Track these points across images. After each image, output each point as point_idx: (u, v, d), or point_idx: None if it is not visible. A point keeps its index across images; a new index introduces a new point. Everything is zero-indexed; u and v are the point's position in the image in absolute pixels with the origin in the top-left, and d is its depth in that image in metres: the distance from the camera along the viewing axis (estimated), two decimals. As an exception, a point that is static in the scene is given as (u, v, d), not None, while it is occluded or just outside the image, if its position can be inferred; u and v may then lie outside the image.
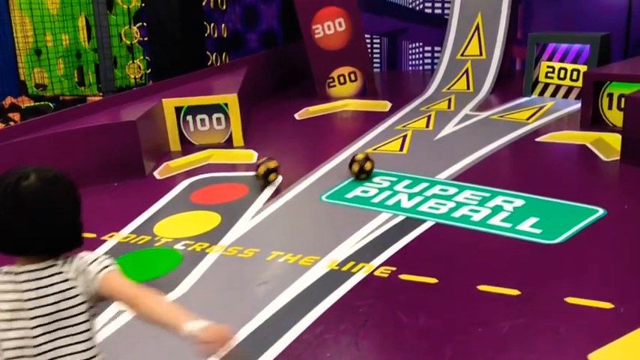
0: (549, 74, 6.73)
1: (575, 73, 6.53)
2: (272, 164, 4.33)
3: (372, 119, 6.32)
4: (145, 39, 8.02)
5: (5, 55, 8.71)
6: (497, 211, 3.65)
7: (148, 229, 3.68)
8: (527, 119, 5.89)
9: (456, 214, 3.65)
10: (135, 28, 8.18)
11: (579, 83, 6.24)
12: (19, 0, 9.32)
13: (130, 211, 3.97)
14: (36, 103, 7.84)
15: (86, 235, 3.66)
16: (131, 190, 4.51)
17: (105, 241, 3.55)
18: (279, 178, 4.38)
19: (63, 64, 9.53)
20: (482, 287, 2.78)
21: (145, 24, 7.93)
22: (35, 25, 9.38)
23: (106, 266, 1.56)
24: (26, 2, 9.21)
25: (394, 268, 2.99)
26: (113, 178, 4.62)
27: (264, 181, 4.26)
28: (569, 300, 2.62)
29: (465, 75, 7.57)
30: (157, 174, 4.83)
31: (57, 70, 9.43)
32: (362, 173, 4.26)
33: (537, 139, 5.24)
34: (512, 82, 7.73)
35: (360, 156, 4.35)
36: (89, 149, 4.58)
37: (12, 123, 6.62)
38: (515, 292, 2.72)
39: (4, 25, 9.01)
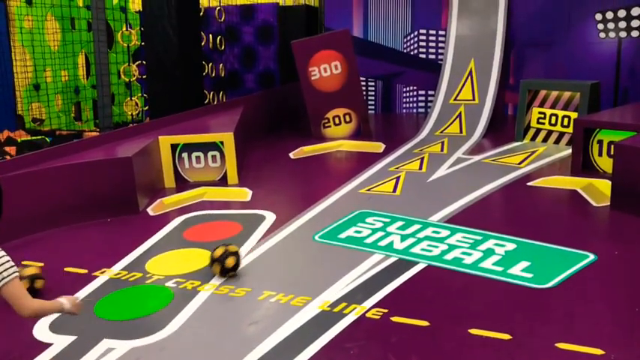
0: (541, 120, 6.86)
1: (565, 120, 6.66)
2: (232, 249, 3.49)
3: (366, 160, 6.39)
4: (144, 77, 8.13)
5: (4, 89, 8.80)
6: (489, 255, 3.67)
7: (140, 266, 3.67)
8: (519, 163, 5.97)
9: (448, 256, 3.67)
10: (134, 66, 8.31)
11: (570, 129, 6.36)
12: (20, 36, 9.47)
13: (122, 247, 3.96)
14: (32, 137, 7.89)
15: (77, 270, 3.67)
16: (124, 226, 4.51)
17: (96, 277, 3.53)
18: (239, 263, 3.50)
19: (61, 100, 9.63)
20: (473, 331, 2.77)
21: (143, 62, 8.06)
22: (36, 60, 9.51)
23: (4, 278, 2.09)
24: (28, 39, 9.35)
25: (386, 310, 2.99)
26: (107, 214, 4.62)
27: (222, 266, 3.40)
28: (560, 345, 2.62)
29: (457, 119, 7.71)
30: (151, 210, 4.84)
31: (55, 106, 9.52)
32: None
33: (529, 184, 5.30)
34: (505, 126, 7.87)
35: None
36: (84, 184, 4.59)
37: (8, 157, 6.65)
38: (506, 336, 2.71)
39: (5, 61, 9.13)
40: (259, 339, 2.74)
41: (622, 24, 8.18)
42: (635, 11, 8.10)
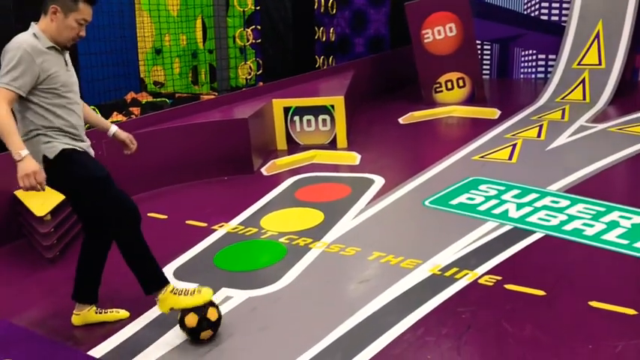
0: (677, 86, 6.26)
1: None
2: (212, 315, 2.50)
3: (479, 126, 6.17)
4: (258, 41, 8.31)
5: (130, 53, 9.33)
6: (613, 227, 3.45)
7: (255, 222, 3.82)
8: (650, 133, 5.51)
9: (568, 227, 3.49)
10: (248, 31, 8.50)
11: None
12: (146, 1, 9.96)
13: (238, 204, 4.14)
14: (154, 99, 8.34)
15: (198, 223, 3.87)
16: (240, 185, 4.69)
17: (215, 230, 3.72)
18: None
19: (179, 63, 10.08)
20: (593, 303, 2.64)
21: (258, 27, 8.23)
22: (157, 25, 9.98)
23: None
24: (153, 4, 9.82)
25: (500, 278, 2.91)
26: (224, 172, 4.83)
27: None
28: (694, 325, 2.43)
29: (581, 85, 7.21)
30: (265, 170, 5.00)
31: (174, 69, 9.99)
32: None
33: (660, 155, 4.90)
34: (634, 93, 7.28)
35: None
36: (203, 143, 4.82)
37: (133, 116, 7.09)
38: (630, 311, 2.56)
39: (131, 26, 9.66)
40: (369, 297, 2.78)
41: None
42: None
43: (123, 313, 2.73)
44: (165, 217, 4.03)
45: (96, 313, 2.70)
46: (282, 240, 3.51)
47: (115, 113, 7.30)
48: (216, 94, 7.43)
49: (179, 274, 3.15)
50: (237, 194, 4.47)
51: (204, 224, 3.82)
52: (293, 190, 4.49)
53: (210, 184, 4.73)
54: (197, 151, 4.81)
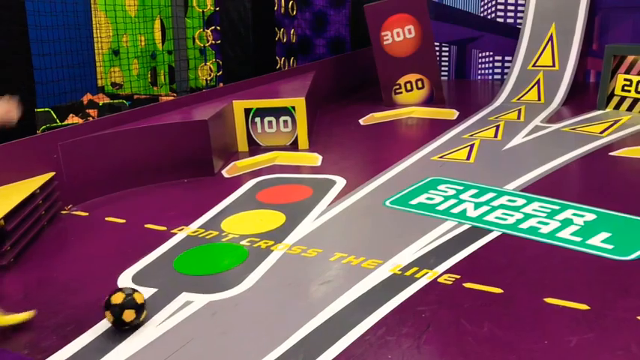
0: (626, 87, 6.48)
1: (654, 87, 6.27)
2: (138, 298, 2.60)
3: (438, 127, 6.27)
4: (218, 42, 8.25)
5: (85, 54, 9.15)
6: (567, 225, 3.55)
7: (216, 225, 3.79)
8: (601, 133, 5.69)
9: (524, 225, 3.58)
10: (208, 32, 8.43)
11: (659, 97, 5.99)
12: (102, 1, 9.78)
13: (199, 207, 4.10)
14: (112, 101, 8.20)
15: (157, 227, 3.82)
16: (201, 187, 4.65)
17: (175, 234, 3.68)
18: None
19: (138, 65, 9.93)
20: (549, 300, 2.71)
21: (217, 27, 8.17)
22: (114, 26, 9.83)
23: None
24: (110, 4, 9.64)
25: (458, 276, 2.96)
26: (184, 175, 4.78)
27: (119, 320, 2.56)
28: (643, 319, 2.52)
29: (536, 86, 7.40)
30: (225, 172, 4.97)
31: (132, 70, 9.84)
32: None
33: (611, 153, 5.06)
34: (586, 94, 7.51)
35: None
36: (162, 146, 4.76)
37: (90, 118, 6.96)
38: (584, 306, 2.64)
39: (87, 27, 9.48)
40: (331, 298, 2.79)
41: None
42: None
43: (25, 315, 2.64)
44: (124, 221, 3.97)
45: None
46: (243, 242, 3.49)
47: (71, 115, 7.14)
48: (175, 95, 7.35)
49: (138, 279, 3.10)
50: (198, 197, 4.43)
51: (164, 228, 3.78)
52: (254, 192, 4.48)
53: (171, 186, 4.67)
54: (156, 153, 4.75)
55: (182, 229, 3.74)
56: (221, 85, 7.49)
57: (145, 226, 3.85)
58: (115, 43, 10.11)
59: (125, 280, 3.10)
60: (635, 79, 6.42)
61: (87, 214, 4.12)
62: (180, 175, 4.78)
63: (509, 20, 8.88)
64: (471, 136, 5.78)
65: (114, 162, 4.54)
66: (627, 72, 6.47)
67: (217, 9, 8.03)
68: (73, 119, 7.00)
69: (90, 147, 4.43)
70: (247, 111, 5.66)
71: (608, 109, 6.60)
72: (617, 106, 6.57)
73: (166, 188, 4.64)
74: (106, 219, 3.93)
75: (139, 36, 9.97)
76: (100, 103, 7.90)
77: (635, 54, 6.45)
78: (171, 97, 7.44)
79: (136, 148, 4.66)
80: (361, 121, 6.80)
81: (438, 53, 9.09)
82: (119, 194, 4.51)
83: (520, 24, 8.24)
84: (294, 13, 9.71)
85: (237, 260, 3.27)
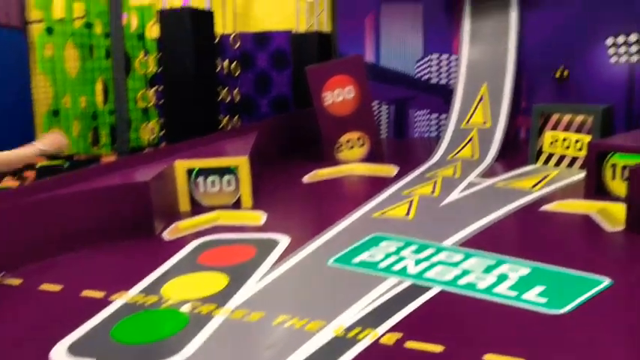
0: (553, 144, 6.87)
1: (578, 143, 6.66)
2: None
3: (379, 184, 6.42)
4: (160, 102, 8.28)
5: (24, 115, 8.98)
6: (503, 279, 3.67)
7: (156, 290, 3.71)
8: (532, 187, 5.97)
9: (462, 281, 3.68)
10: (151, 92, 8.46)
11: (583, 153, 6.36)
12: (41, 64, 9.69)
13: (138, 271, 4.01)
14: (50, 162, 8.02)
15: (94, 294, 3.72)
16: (141, 250, 4.56)
17: (113, 300, 3.58)
18: None
19: (79, 125, 9.81)
20: (488, 356, 2.77)
21: (160, 88, 8.21)
22: (55, 87, 9.72)
23: None
24: (48, 66, 9.56)
25: (400, 335, 2.99)
26: (123, 238, 4.69)
27: None
28: (575, 371, 2.61)
29: (470, 142, 7.73)
30: (167, 234, 4.90)
31: (73, 131, 9.69)
32: None
33: (542, 208, 5.30)
34: (517, 150, 7.88)
35: None
36: (102, 209, 4.67)
37: (27, 181, 6.77)
38: (521, 361, 2.71)
39: (25, 87, 9.34)
40: (274, 363, 2.76)
41: (633, 48, 8.21)
42: (646, 36, 8.14)
43: None
44: (60, 288, 3.83)
45: None
46: (184, 308, 3.43)
47: (7, 177, 6.93)
48: (117, 155, 7.27)
49: (75, 350, 2.99)
50: (138, 261, 4.34)
51: (102, 294, 3.67)
52: (196, 254, 4.43)
53: (110, 250, 4.56)
54: (96, 216, 4.65)
55: (121, 296, 3.64)
56: (164, 144, 7.47)
57: (82, 293, 3.73)
58: (56, 103, 9.98)
59: (60, 351, 2.98)
60: (561, 136, 6.81)
61: (20, 281, 3.97)
62: (120, 238, 4.68)
63: (442, 81, 9.32)
64: (410, 192, 5.95)
65: (50, 226, 4.41)
66: (553, 129, 6.87)
67: (160, 70, 8.10)
68: (8, 182, 6.81)
69: (25, 211, 4.30)
70: (190, 171, 5.65)
71: (538, 165, 6.94)
72: (546, 162, 6.92)
73: (106, 252, 4.53)
74: (40, 287, 3.79)
75: (80, 97, 9.88)
76: (38, 165, 7.70)
77: (559, 112, 6.87)
78: (114, 157, 7.36)
79: (73, 211, 4.55)
80: (305, 179, 6.89)
81: (377, 112, 9.41)
82: (56, 260, 4.36)
83: (453, 84, 8.66)
84: (237, 73, 9.89)
85: (177, 327, 3.20)
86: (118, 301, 3.57)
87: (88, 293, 3.71)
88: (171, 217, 5.37)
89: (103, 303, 3.54)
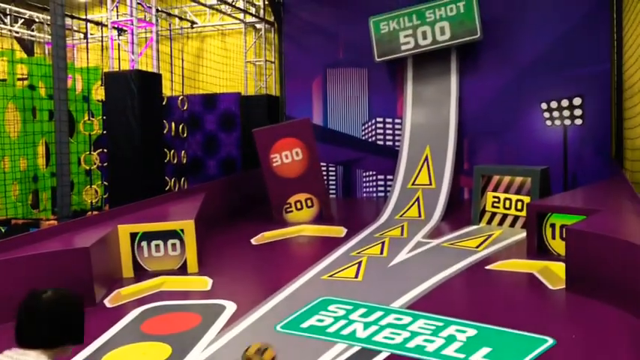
0: (495, 204, 7.08)
1: (519, 204, 6.89)
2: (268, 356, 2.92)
3: (328, 245, 6.42)
4: (104, 164, 8.13)
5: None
6: (451, 341, 3.68)
7: (96, 362, 3.54)
8: (477, 247, 6.09)
9: (411, 344, 3.66)
10: (95, 154, 8.31)
11: (524, 213, 6.57)
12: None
13: (77, 343, 3.81)
14: (-14, 227, 7.69)
15: (28, 369, 3.46)
16: (79, 320, 4.35)
17: (48, 375, 3.37)
18: None
19: (18, 188, 9.48)
20: (437, 422, 2.74)
21: (104, 150, 8.08)
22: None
23: None
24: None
25: (349, 403, 2.93)
26: (61, 307, 4.47)
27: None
28: None
29: (416, 203, 7.89)
30: (108, 302, 4.71)
31: (12, 194, 9.36)
32: None
33: (487, 267, 5.40)
34: (462, 210, 8.07)
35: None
36: (40, 276, 4.46)
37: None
38: None
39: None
40: None
41: (566, 112, 8.69)
42: (576, 101, 8.64)
43: None
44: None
45: None
46: (125, 381, 3.27)
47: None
48: (57, 220, 7.03)
49: None
50: (77, 331, 4.13)
51: (36, 369, 3.45)
52: (139, 322, 4.26)
53: (46, 321, 4.33)
54: (33, 284, 4.41)
55: (57, 370, 3.44)
56: (107, 207, 7.29)
57: (14, 368, 3.50)
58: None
59: None
60: (502, 196, 7.04)
61: (-55, 357, 3.70)
62: (57, 307, 4.47)
63: (388, 143, 9.57)
64: (359, 253, 5.96)
65: (-18, 296, 4.18)
66: (495, 190, 7.09)
67: (104, 132, 8.00)
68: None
69: (-46, 281, 4.07)
70: (133, 235, 5.51)
71: (482, 224, 7.12)
72: (489, 221, 7.11)
73: (41, 323, 4.29)
74: None
75: (20, 159, 9.61)
76: (-28, 230, 7.37)
77: (499, 174, 7.12)
78: (53, 222, 7.12)
79: (8, 280, 4.33)
80: (253, 241, 6.82)
81: (325, 173, 9.52)
82: (-14, 332, 4.11)
83: (398, 146, 8.89)
84: (185, 135, 9.87)
85: (117, 402, 3.04)
86: (53, 375, 3.37)
87: (20, 368, 3.49)
88: (114, 283, 5.18)
89: (37, 378, 3.33)
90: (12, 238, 4.96)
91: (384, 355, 3.52)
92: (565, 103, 8.68)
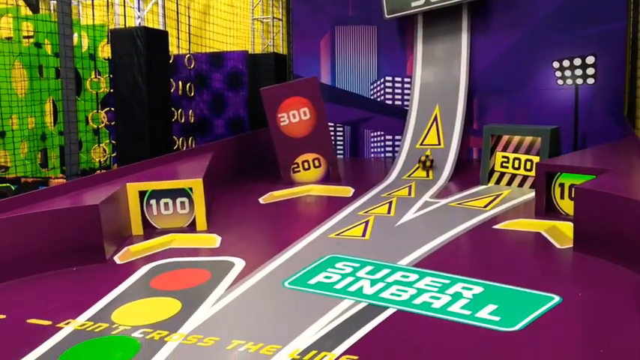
0: (504, 164, 7.04)
1: (528, 164, 6.85)
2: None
3: (335, 204, 6.43)
4: (112, 123, 8.12)
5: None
6: (457, 298, 3.71)
7: (106, 316, 3.60)
8: (485, 207, 6.09)
9: (417, 301, 3.69)
10: (102, 113, 8.30)
11: (533, 173, 6.54)
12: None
13: (88, 297, 3.88)
14: (-4, 185, 7.74)
15: (41, 322, 3.59)
16: (90, 276, 4.42)
17: (60, 328, 3.45)
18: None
19: (27, 147, 9.51)
20: (443, 376, 2.78)
21: (112, 109, 8.06)
22: (2, 108, 9.42)
23: None
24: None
25: (356, 358, 2.98)
26: (73, 263, 4.54)
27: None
28: (528, 388, 2.64)
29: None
30: (118, 258, 4.77)
31: (20, 153, 9.40)
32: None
33: (494, 227, 5.40)
34: (470, 171, 8.04)
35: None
36: (49, 233, 4.52)
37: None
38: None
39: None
40: (228, 390, 2.70)
41: (578, 71, 8.55)
42: (589, 60, 8.49)
43: None
44: (4, 317, 3.67)
45: None
46: (135, 334, 3.33)
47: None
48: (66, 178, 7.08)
49: (17, 382, 2.85)
50: (87, 286, 4.20)
51: (49, 322, 3.53)
52: (148, 278, 4.32)
53: (58, 276, 4.41)
54: (43, 241, 4.50)
55: (69, 323, 3.51)
56: (115, 166, 7.32)
57: (28, 321, 3.57)
58: (2, 125, 9.67)
59: (2, 384, 2.84)
60: (511, 156, 6.99)
61: (-40, 311, 3.78)
62: (68, 263, 4.53)
63: (397, 102, 9.48)
64: (366, 212, 5.98)
65: (-6, 252, 4.24)
66: (504, 150, 7.05)
67: (111, 90, 7.97)
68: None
69: (-33, 237, 4.13)
70: (142, 193, 5.54)
71: (490, 184, 7.10)
72: (497, 181, 7.09)
73: (53, 278, 4.37)
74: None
75: (28, 117, 9.61)
76: (-18, 188, 7.43)
77: (509, 134, 7.06)
78: (62, 180, 7.15)
79: (19, 236, 4.39)
80: (260, 200, 6.84)
81: (332, 133, 9.48)
82: (1, 287, 4.18)
83: (407, 106, 8.81)
84: (192, 94, 9.81)
85: (128, 354, 3.10)
86: (67, 328, 3.44)
87: (34, 321, 3.57)
88: (123, 240, 5.24)
89: (51, 331, 3.41)
90: (22, 195, 5.00)
91: (391, 311, 3.55)
92: (578, 62, 8.53)
